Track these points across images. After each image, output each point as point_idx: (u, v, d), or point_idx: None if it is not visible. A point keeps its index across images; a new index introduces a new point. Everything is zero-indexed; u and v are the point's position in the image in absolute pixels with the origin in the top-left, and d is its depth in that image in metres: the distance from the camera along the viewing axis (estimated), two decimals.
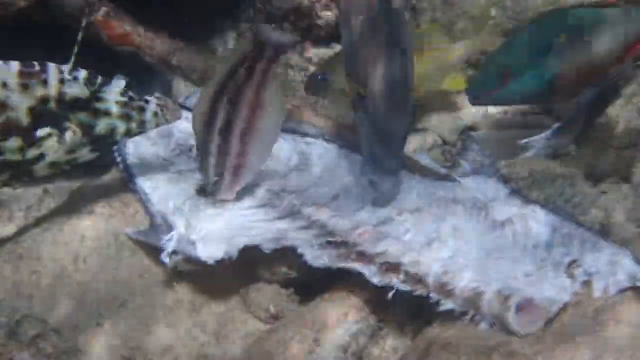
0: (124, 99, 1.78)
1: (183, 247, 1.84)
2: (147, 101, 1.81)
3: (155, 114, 1.81)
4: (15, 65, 1.65)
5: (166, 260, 1.86)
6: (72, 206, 2.05)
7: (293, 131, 2.08)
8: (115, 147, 2.09)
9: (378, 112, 1.75)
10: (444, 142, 2.26)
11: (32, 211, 2.12)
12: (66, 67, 1.68)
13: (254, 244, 1.84)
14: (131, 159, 2.08)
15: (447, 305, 1.70)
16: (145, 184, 2.03)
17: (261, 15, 2.51)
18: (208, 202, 1.98)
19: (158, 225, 1.92)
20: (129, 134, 1.81)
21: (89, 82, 1.71)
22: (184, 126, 2.14)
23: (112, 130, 1.79)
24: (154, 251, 1.92)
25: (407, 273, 1.75)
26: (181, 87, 2.47)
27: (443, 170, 1.97)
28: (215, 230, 1.88)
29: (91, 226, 1.97)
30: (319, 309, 1.81)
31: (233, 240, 1.84)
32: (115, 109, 1.77)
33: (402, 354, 1.74)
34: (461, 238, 1.80)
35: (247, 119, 1.84)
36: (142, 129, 1.81)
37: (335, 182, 1.98)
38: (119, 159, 2.10)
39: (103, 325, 1.86)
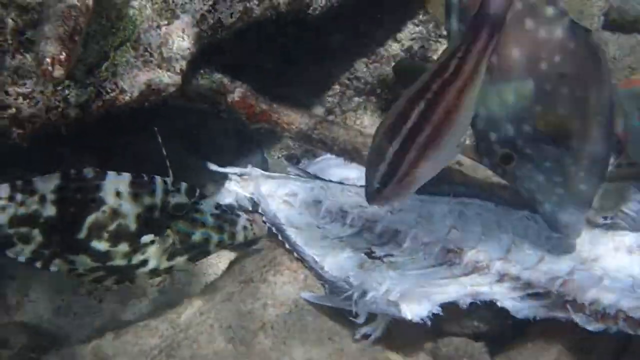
0: (218, 211, 1.81)
1: (383, 307, 1.82)
2: (238, 215, 1.84)
3: (245, 227, 1.84)
4: (127, 176, 1.71)
5: (362, 320, 1.85)
6: (238, 277, 2.00)
7: (446, 193, 2.07)
8: (264, 219, 2.06)
9: (593, 152, 1.78)
10: None
11: (168, 291, 2.07)
12: (169, 180, 1.72)
13: (451, 300, 1.82)
14: (287, 229, 2.05)
15: None
16: (311, 251, 2.00)
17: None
18: (383, 264, 1.96)
19: (341, 289, 1.89)
20: (220, 245, 1.83)
21: (188, 194, 1.76)
22: (331, 193, 2.15)
23: (206, 240, 1.81)
24: (336, 313, 1.90)
25: (627, 319, 1.74)
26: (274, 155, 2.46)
27: (605, 220, 1.98)
28: (408, 290, 1.85)
29: (270, 294, 1.92)
30: (524, 357, 1.80)
31: (431, 298, 1.81)
32: (210, 221, 1.80)
33: None
34: None
35: (438, 124, 1.62)
36: (232, 241, 1.84)
37: (502, 238, 1.98)
38: (274, 229, 2.05)
39: None
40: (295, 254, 1.99)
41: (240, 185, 2.18)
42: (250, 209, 2.13)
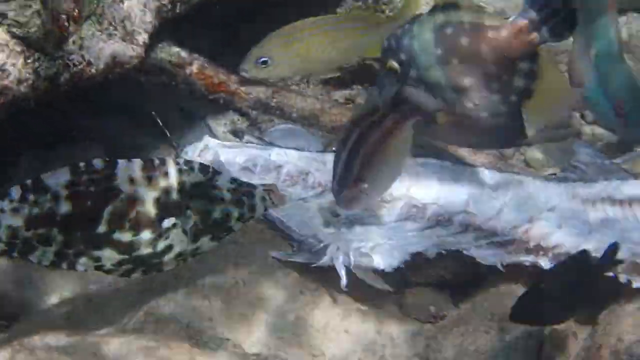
0: (234, 185, 1.72)
1: (356, 260, 1.86)
2: (254, 187, 1.76)
3: (263, 198, 1.75)
4: (138, 161, 1.62)
5: (342, 273, 1.88)
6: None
7: None
8: None
9: None
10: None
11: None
12: (181, 159, 1.65)
13: (419, 250, 1.88)
14: None
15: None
16: (278, 214, 2.03)
17: None
18: (348, 221, 2.00)
19: (309, 246, 1.93)
20: (242, 219, 1.74)
21: (202, 171, 1.68)
22: (289, 158, 2.18)
23: (227, 216, 1.72)
24: (306, 269, 1.95)
25: None
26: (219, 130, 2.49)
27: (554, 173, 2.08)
28: (378, 242, 1.92)
29: (239, 252, 1.96)
30: (490, 302, 1.88)
31: (401, 249, 1.88)
32: (228, 196, 1.71)
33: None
34: (612, 228, 1.91)
35: (369, 154, 1.83)
36: (252, 213, 1.75)
37: (460, 193, 2.04)
38: None
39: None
40: (261, 217, 1.99)
41: (198, 155, 2.15)
42: None
